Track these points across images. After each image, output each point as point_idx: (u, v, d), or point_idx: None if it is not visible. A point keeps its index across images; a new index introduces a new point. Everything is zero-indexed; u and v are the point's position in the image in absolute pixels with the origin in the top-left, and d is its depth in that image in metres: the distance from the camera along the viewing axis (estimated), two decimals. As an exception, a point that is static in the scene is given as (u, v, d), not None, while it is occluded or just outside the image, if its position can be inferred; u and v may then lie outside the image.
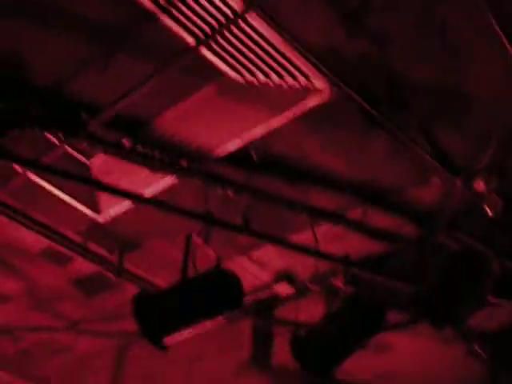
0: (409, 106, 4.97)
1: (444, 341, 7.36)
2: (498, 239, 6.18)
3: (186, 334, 5.18)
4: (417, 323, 6.71)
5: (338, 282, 6.28)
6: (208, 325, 5.22)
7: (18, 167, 5.30)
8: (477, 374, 7.94)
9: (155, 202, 5.51)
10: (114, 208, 5.76)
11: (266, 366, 7.13)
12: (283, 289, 6.51)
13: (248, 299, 6.50)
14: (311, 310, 6.42)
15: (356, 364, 6.40)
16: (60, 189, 5.66)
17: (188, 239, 5.45)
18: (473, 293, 5.91)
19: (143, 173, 5.34)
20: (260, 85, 4.80)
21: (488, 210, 5.70)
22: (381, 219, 5.95)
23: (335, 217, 5.84)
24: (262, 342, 7.07)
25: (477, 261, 5.97)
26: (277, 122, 5.06)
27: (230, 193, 5.51)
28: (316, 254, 5.94)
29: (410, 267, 6.19)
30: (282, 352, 6.38)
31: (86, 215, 5.88)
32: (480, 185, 5.58)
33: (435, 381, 8.18)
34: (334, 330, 5.89)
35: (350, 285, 6.15)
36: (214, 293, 5.14)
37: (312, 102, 4.83)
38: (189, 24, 4.35)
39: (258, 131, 5.15)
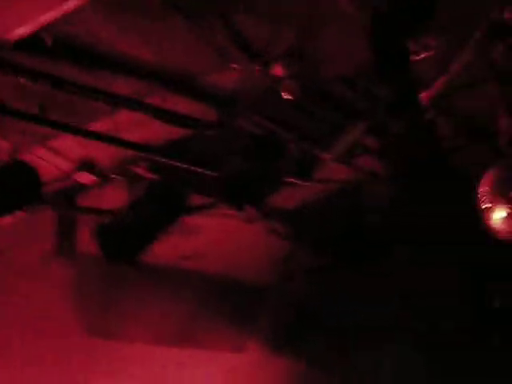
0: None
1: (247, 220, 7.61)
2: (297, 122, 6.37)
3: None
4: (219, 205, 6.86)
5: (140, 169, 6.27)
6: (6, 219, 5.07)
7: None
8: (278, 249, 8.33)
9: None
10: None
11: (71, 255, 7.07)
12: (84, 178, 6.38)
13: (48, 189, 6.36)
14: (114, 198, 6.39)
15: (163, 247, 6.51)
16: None
17: (-21, 131, 5.19)
18: (269, 174, 6.12)
19: None
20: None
21: (285, 95, 5.83)
22: (181, 104, 5.92)
23: (134, 103, 5.74)
24: (66, 232, 6.98)
25: (274, 143, 6.15)
26: (70, 5, 4.81)
27: (22, 81, 5.24)
28: (116, 141, 5.85)
29: (211, 152, 6.26)
30: (86, 241, 6.33)
31: None
32: (278, 70, 5.66)
33: (240, 257, 8.49)
34: (136, 217, 5.93)
35: (152, 171, 6.16)
36: (10, 186, 4.97)
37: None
38: None
39: (50, 15, 4.88)
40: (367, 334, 8.37)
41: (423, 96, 6.04)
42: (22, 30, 4.94)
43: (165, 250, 6.98)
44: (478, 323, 7.05)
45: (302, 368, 8.75)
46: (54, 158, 6.18)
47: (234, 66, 5.60)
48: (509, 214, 4.85)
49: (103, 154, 6.15)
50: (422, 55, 5.75)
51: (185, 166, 6.28)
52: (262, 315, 9.04)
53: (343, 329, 8.47)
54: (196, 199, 6.81)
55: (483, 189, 5.03)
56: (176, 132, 6.11)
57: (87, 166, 6.29)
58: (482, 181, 5.18)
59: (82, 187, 6.59)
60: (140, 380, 8.20)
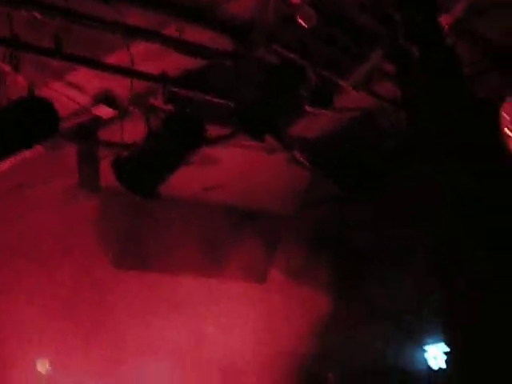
0: None
1: (267, 150, 7.59)
2: (314, 50, 6.28)
3: (3, 164, 5.04)
4: (238, 136, 6.85)
5: (158, 101, 6.24)
6: (25, 153, 5.10)
7: None
8: (298, 179, 8.33)
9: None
10: None
11: (95, 188, 7.10)
12: (104, 111, 6.35)
13: (69, 124, 6.36)
14: (134, 131, 6.38)
15: (184, 179, 6.51)
16: None
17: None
18: (289, 103, 6.08)
19: None
20: None
21: (302, 22, 5.75)
22: (197, 35, 5.86)
23: (150, 34, 5.69)
24: (89, 166, 6.99)
25: (293, 72, 6.09)
26: None
27: (37, 14, 5.19)
28: (133, 73, 5.83)
29: (229, 82, 6.22)
30: (109, 174, 6.36)
31: None
32: (295, -4, 5.58)
33: (262, 187, 8.52)
34: (155, 149, 5.93)
35: (170, 103, 6.12)
36: (27, 121, 4.97)
37: None
38: None
39: None
40: (384, 258, 8.45)
41: (443, 21, 5.93)
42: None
43: (186, 181, 6.99)
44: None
45: (319, 294, 8.85)
46: (71, 92, 6.17)
47: (250, -7, 5.53)
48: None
49: (121, 86, 6.12)
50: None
51: (202, 96, 6.25)
52: (282, 244, 9.12)
53: (360, 254, 8.53)
54: (215, 130, 6.78)
55: (505, 117, 4.95)
56: (193, 63, 6.07)
57: (105, 98, 6.27)
58: (504, 109, 5.08)
59: (102, 121, 6.58)
60: (165, 308, 8.34)
